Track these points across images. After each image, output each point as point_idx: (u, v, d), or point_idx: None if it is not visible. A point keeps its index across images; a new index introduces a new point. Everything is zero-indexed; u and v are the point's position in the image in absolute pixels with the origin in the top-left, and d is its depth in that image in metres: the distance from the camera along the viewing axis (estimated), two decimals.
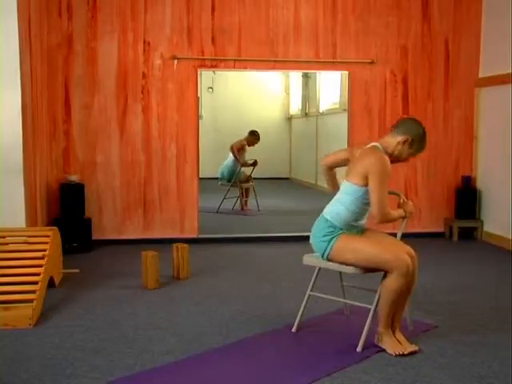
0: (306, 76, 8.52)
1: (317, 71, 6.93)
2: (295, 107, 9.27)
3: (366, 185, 3.07)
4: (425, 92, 6.23)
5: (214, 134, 8.19)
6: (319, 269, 3.37)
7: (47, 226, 5.30)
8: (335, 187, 3.41)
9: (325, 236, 3.17)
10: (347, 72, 6.13)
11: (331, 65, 6.11)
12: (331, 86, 7.72)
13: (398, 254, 3.05)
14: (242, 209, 7.85)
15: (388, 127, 6.13)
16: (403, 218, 3.27)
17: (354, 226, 3.21)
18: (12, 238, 4.24)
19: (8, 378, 2.77)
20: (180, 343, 3.23)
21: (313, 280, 3.41)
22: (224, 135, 8.09)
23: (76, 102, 5.73)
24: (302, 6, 5.99)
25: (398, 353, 3.04)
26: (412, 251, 3.16)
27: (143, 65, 5.79)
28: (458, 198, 6.25)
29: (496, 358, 3.03)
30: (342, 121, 6.33)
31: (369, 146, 3.20)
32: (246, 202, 7.91)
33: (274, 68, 6.11)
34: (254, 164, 7.92)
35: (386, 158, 3.10)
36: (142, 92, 5.82)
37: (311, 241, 3.27)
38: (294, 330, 3.42)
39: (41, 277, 3.76)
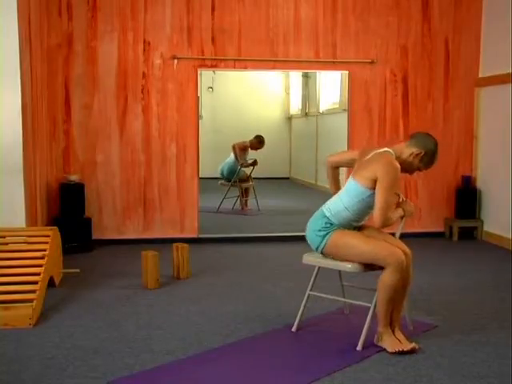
0: (306, 76, 8.51)
1: (317, 71, 6.93)
2: (295, 107, 9.26)
3: (373, 187, 3.07)
4: (425, 92, 6.23)
5: (214, 133, 8.18)
6: (319, 268, 3.37)
7: (47, 225, 5.30)
8: (337, 188, 3.42)
9: (320, 231, 3.19)
10: (347, 72, 6.13)
11: (331, 65, 6.11)
12: (331, 86, 7.71)
13: (392, 249, 3.07)
14: (242, 209, 7.85)
15: (388, 127, 6.20)
16: (402, 217, 3.28)
17: (351, 226, 3.23)
18: (12, 238, 4.24)
19: (8, 378, 2.77)
20: (180, 343, 3.23)
21: (312, 279, 3.42)
22: (224, 135, 8.08)
23: (76, 101, 5.73)
24: (302, 5, 5.99)
25: (397, 349, 3.04)
26: (406, 249, 3.18)
27: (143, 64, 5.79)
28: (458, 197, 6.25)
29: (496, 358, 3.03)
30: (342, 121, 6.33)
31: (382, 149, 3.19)
32: (245, 201, 7.90)
33: (274, 68, 6.12)
34: (254, 164, 7.92)
35: (398, 164, 3.10)
36: (142, 92, 5.82)
37: (306, 233, 3.29)
38: (293, 329, 3.42)
39: (41, 276, 3.76)
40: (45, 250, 4.01)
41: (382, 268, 3.09)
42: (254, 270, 4.91)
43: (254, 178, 7.96)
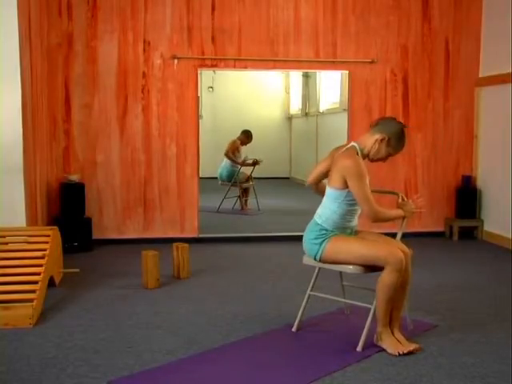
0: (306, 75, 8.52)
1: (317, 71, 6.94)
2: (295, 107, 9.27)
3: (346, 187, 3.11)
4: (425, 91, 6.23)
5: (214, 133, 8.19)
6: (319, 268, 3.37)
7: (47, 225, 5.30)
8: None
9: (316, 238, 3.19)
10: (347, 71, 6.12)
11: (331, 64, 6.10)
12: (331, 86, 7.71)
13: (390, 248, 3.07)
14: (242, 208, 7.85)
15: None
16: (403, 217, 3.28)
17: (345, 228, 3.23)
18: (12, 238, 4.25)
19: (8, 378, 2.77)
20: (180, 343, 3.23)
21: (313, 280, 3.42)
22: (224, 135, 8.08)
23: (76, 101, 5.73)
24: (302, 5, 5.98)
25: (398, 352, 3.04)
26: (405, 248, 3.18)
27: (143, 64, 5.79)
28: (458, 197, 6.25)
29: (496, 358, 3.03)
30: (342, 120, 6.33)
31: (346, 146, 3.23)
32: (245, 201, 7.91)
33: (274, 68, 6.11)
34: (255, 163, 7.91)
35: (358, 158, 3.12)
36: (142, 91, 5.82)
37: (303, 245, 3.29)
38: (294, 329, 3.42)
39: (41, 276, 3.76)
40: (45, 250, 4.01)
41: (383, 269, 3.09)
42: (254, 269, 4.91)
43: (254, 178, 7.96)
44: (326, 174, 3.31)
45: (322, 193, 3.35)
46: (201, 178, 6.12)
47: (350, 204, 3.16)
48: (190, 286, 4.37)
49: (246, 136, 7.90)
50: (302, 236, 3.30)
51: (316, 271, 3.40)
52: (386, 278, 3.04)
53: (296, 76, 8.82)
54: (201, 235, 6.00)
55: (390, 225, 5.30)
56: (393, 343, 3.10)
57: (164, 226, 5.94)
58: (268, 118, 9.11)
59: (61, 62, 5.66)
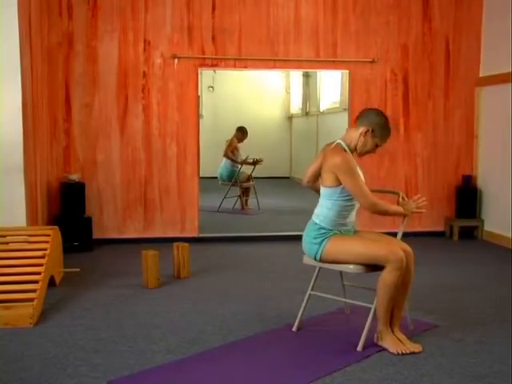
0: (306, 75, 8.53)
1: (317, 70, 6.94)
2: (296, 106, 9.28)
3: (339, 184, 3.13)
4: (425, 91, 6.23)
5: (215, 133, 8.19)
6: (319, 268, 3.37)
7: (48, 225, 5.30)
8: None
9: (316, 238, 3.19)
10: (347, 71, 6.12)
11: (332, 64, 6.10)
12: (332, 85, 7.72)
13: (391, 248, 3.07)
14: (243, 208, 7.85)
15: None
16: (404, 216, 3.28)
17: (343, 225, 3.23)
18: (12, 237, 4.25)
19: (8, 378, 2.77)
20: (180, 343, 3.23)
21: (313, 279, 3.42)
22: (224, 134, 8.08)
23: (76, 100, 5.73)
24: (302, 5, 5.98)
25: (399, 351, 3.04)
26: (407, 247, 3.17)
27: (144, 64, 5.79)
28: (458, 197, 6.25)
29: (496, 358, 3.03)
30: (343, 120, 6.33)
31: (333, 144, 3.24)
32: (246, 201, 7.91)
33: (274, 67, 6.11)
34: (255, 163, 7.91)
35: (346, 154, 3.15)
36: (143, 91, 5.82)
37: (303, 245, 3.29)
38: (294, 329, 3.42)
39: (41, 276, 3.76)
40: (45, 250, 4.01)
41: (383, 268, 3.09)
42: (254, 269, 4.91)
43: (255, 178, 7.97)
44: (320, 172, 3.33)
45: (319, 191, 3.37)
46: (201, 177, 6.12)
47: (345, 200, 3.17)
48: (190, 286, 4.37)
49: (242, 132, 7.90)
50: (302, 236, 3.30)
51: (316, 271, 3.40)
52: (386, 277, 3.04)
53: (296, 76, 8.82)
54: (201, 235, 6.00)
55: (391, 224, 5.31)
56: (394, 342, 3.10)
57: (164, 226, 5.94)
58: (268, 118, 9.12)
59: (61, 62, 5.66)
